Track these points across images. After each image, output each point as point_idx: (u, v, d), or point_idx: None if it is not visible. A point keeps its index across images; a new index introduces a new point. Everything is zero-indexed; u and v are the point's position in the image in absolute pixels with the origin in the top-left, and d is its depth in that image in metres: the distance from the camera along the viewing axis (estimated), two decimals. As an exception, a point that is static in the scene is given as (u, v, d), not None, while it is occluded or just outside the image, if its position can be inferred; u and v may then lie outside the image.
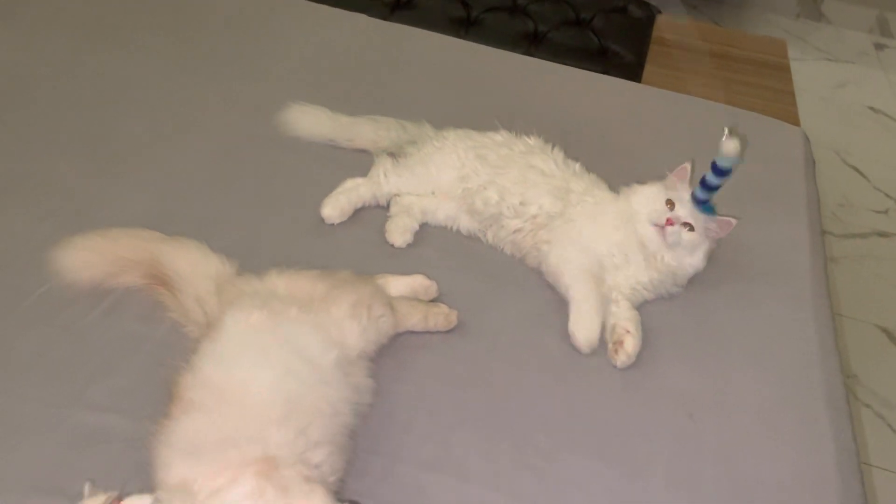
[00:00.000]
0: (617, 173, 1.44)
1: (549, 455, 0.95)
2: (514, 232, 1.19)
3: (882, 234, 2.57)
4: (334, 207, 1.21)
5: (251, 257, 1.07)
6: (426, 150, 1.28)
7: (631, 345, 1.07)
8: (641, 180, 1.38)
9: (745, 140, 1.57)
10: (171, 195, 1.25)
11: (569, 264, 1.14)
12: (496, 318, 1.11)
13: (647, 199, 1.17)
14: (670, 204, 1.15)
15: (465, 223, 1.24)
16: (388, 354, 1.01)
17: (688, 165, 1.18)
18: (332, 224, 1.22)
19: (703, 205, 1.15)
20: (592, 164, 1.45)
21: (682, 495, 0.94)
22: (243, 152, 1.36)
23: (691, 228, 1.13)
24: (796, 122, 1.81)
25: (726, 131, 1.13)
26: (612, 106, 1.65)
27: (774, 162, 1.56)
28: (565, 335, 1.10)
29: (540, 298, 1.15)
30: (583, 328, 1.08)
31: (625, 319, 1.09)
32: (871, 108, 3.36)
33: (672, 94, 1.71)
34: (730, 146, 1.11)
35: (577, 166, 1.27)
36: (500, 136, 1.30)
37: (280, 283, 0.95)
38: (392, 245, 1.19)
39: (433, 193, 1.25)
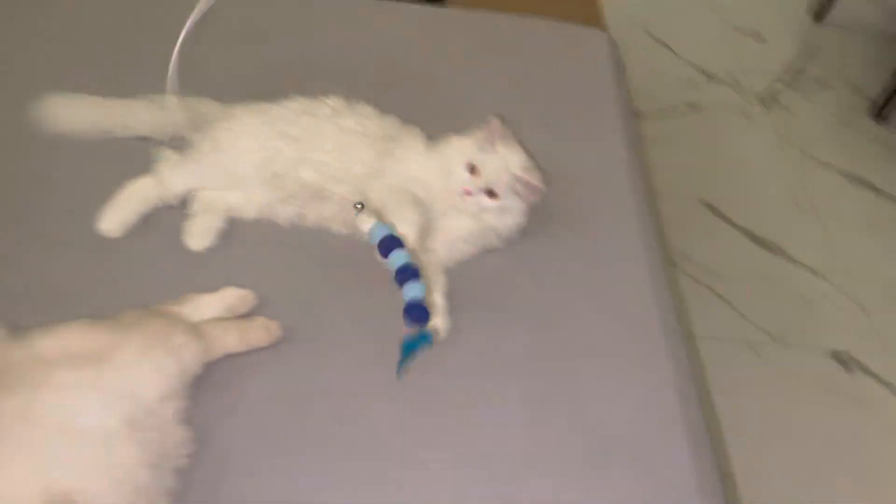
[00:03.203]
0: (434, 116, 1.37)
1: (405, 461, 0.90)
2: (341, 202, 1.09)
3: (693, 108, 2.69)
4: (112, 220, 1.06)
5: (21, 296, 0.94)
6: (214, 135, 1.14)
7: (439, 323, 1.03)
8: (455, 120, 1.32)
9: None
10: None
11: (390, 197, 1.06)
12: (327, 316, 1.02)
13: (448, 161, 1.09)
14: (472, 168, 1.07)
15: (282, 211, 1.12)
16: (210, 386, 0.91)
17: (497, 122, 1.10)
18: (114, 238, 1.07)
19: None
20: (406, 110, 1.37)
21: (544, 460, 0.93)
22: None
23: (494, 194, 1.08)
24: (601, 22, 1.79)
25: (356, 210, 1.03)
26: (415, 39, 1.54)
27: (582, 73, 1.53)
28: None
29: (373, 281, 1.06)
30: None
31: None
32: (672, -23, 3.43)
33: (474, 16, 1.62)
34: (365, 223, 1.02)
35: (393, 119, 1.18)
36: (296, 103, 1.17)
37: (47, 343, 0.81)
38: (191, 250, 1.07)
39: (235, 187, 1.11)
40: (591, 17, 1.81)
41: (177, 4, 1.43)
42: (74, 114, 1.19)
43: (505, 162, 1.09)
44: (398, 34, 1.55)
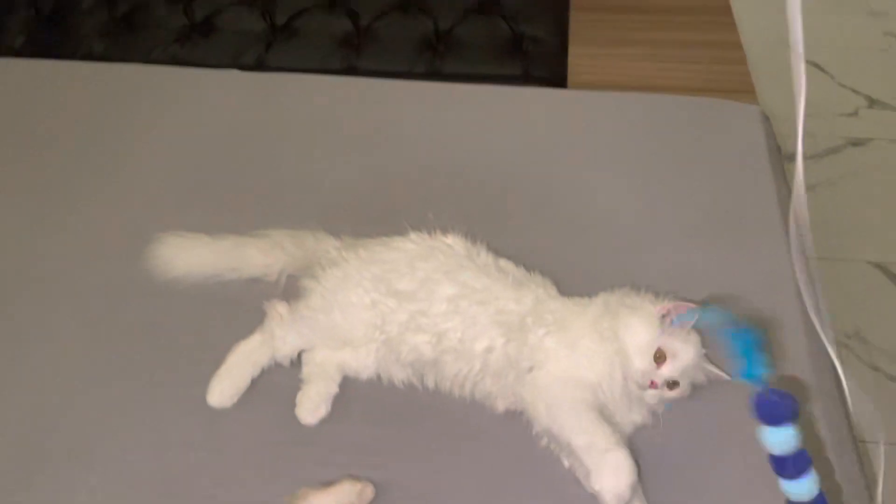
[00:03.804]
0: (562, 230, 1.24)
1: None
2: (462, 377, 0.98)
3: (856, 143, 2.37)
4: (224, 392, 1.00)
5: (130, 476, 0.91)
6: (325, 285, 1.05)
7: None
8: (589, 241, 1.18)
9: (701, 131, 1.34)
10: (26, 409, 1.01)
11: (560, 409, 0.90)
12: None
13: (637, 349, 0.91)
14: (661, 357, 0.91)
15: (399, 373, 1.01)
16: None
17: (695, 310, 0.91)
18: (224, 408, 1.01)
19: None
20: (530, 224, 1.25)
21: None
22: (112, 313, 1.13)
23: (676, 386, 0.91)
24: (749, 86, 1.57)
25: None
26: (536, 132, 1.41)
27: (731, 163, 1.34)
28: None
29: (504, 462, 0.94)
30: (610, 477, 0.83)
31: None
32: (819, -16, 3.08)
33: (604, 97, 1.46)
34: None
35: (513, 267, 1.05)
36: (412, 244, 1.06)
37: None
38: (302, 422, 0.98)
39: (348, 347, 1.03)
40: (737, 78, 1.59)
41: (276, 147, 1.40)
42: (186, 257, 1.15)
43: (696, 352, 0.92)
44: (512, 124, 1.43)
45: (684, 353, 0.91)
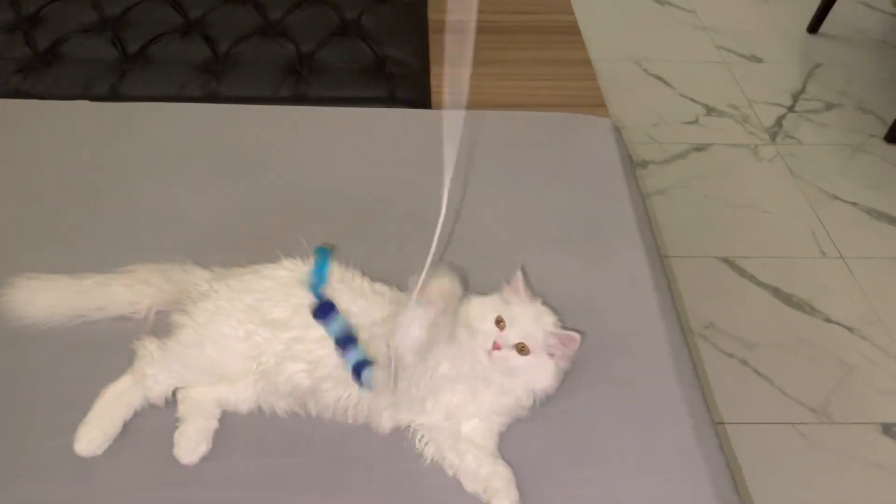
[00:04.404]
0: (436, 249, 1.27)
1: None
2: (343, 404, 0.98)
3: (698, 148, 2.57)
4: (92, 439, 0.95)
5: None
6: (197, 319, 1.02)
7: None
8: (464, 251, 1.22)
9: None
10: None
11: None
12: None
13: (479, 318, 0.99)
14: (501, 323, 0.98)
15: (279, 403, 1.00)
16: None
17: (520, 274, 1.01)
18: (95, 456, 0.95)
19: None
20: (404, 242, 1.27)
21: None
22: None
23: (525, 350, 0.97)
24: (600, 100, 1.68)
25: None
26: (403, 152, 1.43)
27: (588, 172, 1.42)
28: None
29: (394, 478, 0.95)
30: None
31: (494, 477, 0.93)
32: (657, 2, 3.33)
33: (466, 115, 1.51)
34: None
35: (387, 289, 1.06)
36: (285, 271, 1.06)
37: None
38: (182, 462, 0.95)
39: (224, 382, 1.00)
40: (589, 93, 1.70)
41: (136, 179, 1.35)
42: (45, 300, 1.08)
43: (535, 314, 1.00)
44: (379, 145, 1.45)
45: (522, 318, 0.98)
